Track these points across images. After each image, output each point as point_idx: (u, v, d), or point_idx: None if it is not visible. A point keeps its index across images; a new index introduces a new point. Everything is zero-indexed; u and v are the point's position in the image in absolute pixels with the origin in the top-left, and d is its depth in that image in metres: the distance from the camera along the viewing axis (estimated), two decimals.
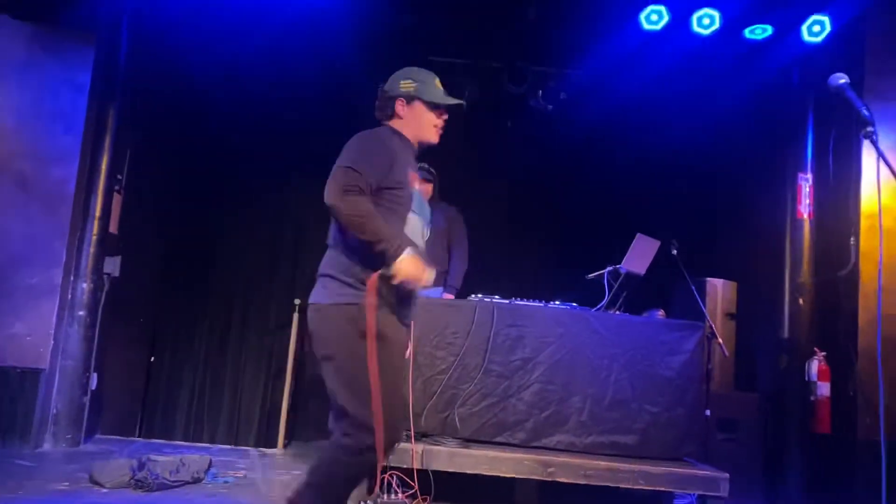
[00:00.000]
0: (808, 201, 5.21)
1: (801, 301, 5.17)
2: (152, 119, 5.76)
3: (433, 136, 2.71)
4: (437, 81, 2.74)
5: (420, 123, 2.69)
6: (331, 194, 2.39)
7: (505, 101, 6.11)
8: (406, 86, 2.68)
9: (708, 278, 5.31)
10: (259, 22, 5.29)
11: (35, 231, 4.81)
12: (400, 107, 2.68)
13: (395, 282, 2.42)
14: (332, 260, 2.56)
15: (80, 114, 4.94)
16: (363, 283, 2.45)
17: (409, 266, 2.41)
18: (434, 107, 2.69)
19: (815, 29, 5.04)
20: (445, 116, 2.72)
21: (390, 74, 2.75)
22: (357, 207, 2.38)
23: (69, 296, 4.93)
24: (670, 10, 5.19)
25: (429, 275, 2.48)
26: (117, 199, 5.24)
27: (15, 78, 4.91)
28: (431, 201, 5.07)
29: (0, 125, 4.87)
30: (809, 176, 5.24)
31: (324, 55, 5.60)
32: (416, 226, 2.64)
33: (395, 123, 2.70)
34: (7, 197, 4.81)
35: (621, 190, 6.34)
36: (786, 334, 5.22)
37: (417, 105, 2.68)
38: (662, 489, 3.79)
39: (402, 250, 2.39)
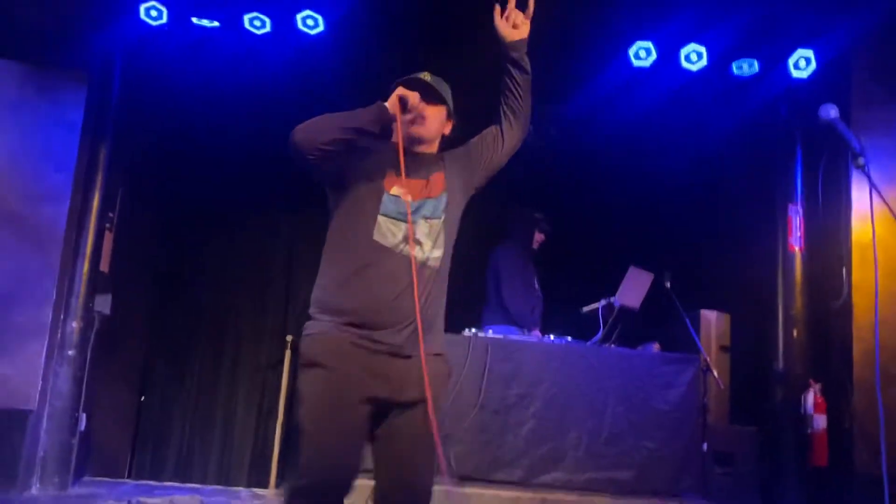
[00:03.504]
0: (798, 233, 5.23)
1: (794, 333, 5.16)
2: (143, 157, 5.76)
3: None
4: None
5: None
6: None
7: None
8: None
9: (701, 310, 5.30)
10: (249, 61, 5.34)
11: (25, 270, 4.76)
12: None
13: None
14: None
15: (72, 152, 4.93)
16: None
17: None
18: None
19: (801, 64, 5.12)
20: None
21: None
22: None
23: (58, 335, 4.86)
24: (658, 46, 5.24)
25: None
26: (108, 238, 5.21)
27: (7, 118, 4.90)
28: None
29: None
30: (799, 208, 5.27)
31: (312, 90, 5.62)
32: None
33: None
34: None
35: (613, 223, 6.37)
36: (780, 366, 5.20)
37: None
38: None
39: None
